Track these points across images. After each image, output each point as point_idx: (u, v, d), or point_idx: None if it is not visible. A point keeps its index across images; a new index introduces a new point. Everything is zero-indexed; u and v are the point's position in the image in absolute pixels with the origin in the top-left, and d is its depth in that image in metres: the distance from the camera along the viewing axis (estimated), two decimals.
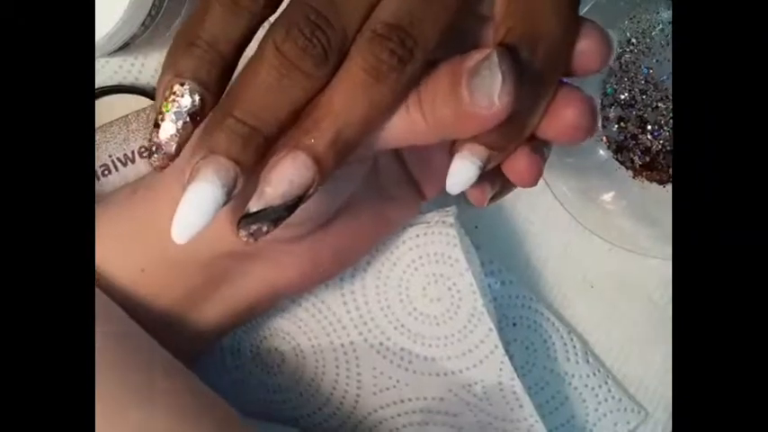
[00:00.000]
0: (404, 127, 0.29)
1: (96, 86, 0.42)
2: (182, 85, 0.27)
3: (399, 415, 0.42)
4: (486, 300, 0.42)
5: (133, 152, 0.41)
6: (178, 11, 0.40)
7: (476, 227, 0.44)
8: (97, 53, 0.37)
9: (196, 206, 0.26)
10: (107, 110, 0.42)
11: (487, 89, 0.27)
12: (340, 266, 0.38)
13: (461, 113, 0.28)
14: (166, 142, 0.27)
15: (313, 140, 0.27)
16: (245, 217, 0.27)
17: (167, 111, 0.27)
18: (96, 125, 0.41)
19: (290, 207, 0.27)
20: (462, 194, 0.42)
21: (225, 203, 0.27)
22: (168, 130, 0.27)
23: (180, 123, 0.27)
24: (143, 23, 0.38)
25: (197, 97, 0.27)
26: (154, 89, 0.43)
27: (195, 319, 0.36)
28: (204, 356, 0.43)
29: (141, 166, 0.41)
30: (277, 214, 0.27)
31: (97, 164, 0.41)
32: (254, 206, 0.27)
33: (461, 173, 0.30)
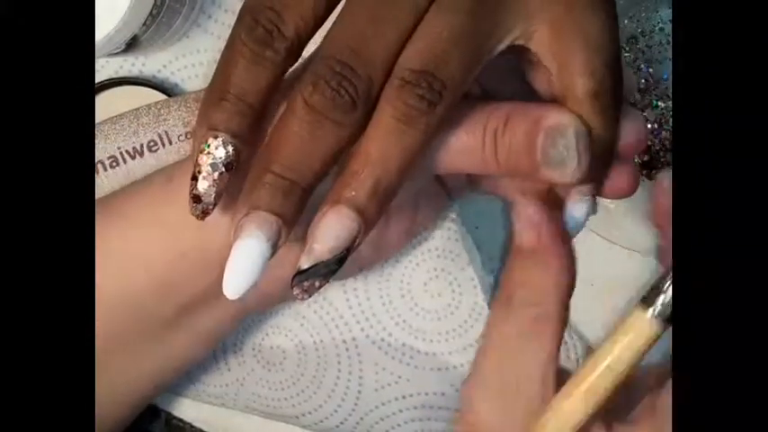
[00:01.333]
0: (476, 163, 0.30)
1: (101, 80, 0.42)
2: (215, 137, 0.28)
3: (401, 411, 0.42)
4: (486, 295, 0.42)
5: (142, 145, 0.40)
6: (179, 9, 0.40)
7: (476, 227, 0.44)
8: (98, 54, 0.37)
9: (244, 261, 0.27)
10: (112, 103, 0.42)
11: (561, 167, 0.29)
12: (358, 270, 0.39)
13: (533, 170, 0.29)
14: (204, 192, 0.28)
15: (353, 192, 0.27)
16: (298, 274, 0.28)
17: (203, 163, 0.28)
18: (103, 117, 0.41)
19: (339, 260, 0.28)
20: (463, 190, 0.43)
21: (271, 256, 0.28)
22: (206, 181, 0.28)
23: (216, 174, 0.28)
24: (144, 23, 0.38)
25: (230, 148, 0.28)
26: (161, 83, 0.43)
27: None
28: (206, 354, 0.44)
29: (149, 160, 0.41)
30: (328, 268, 0.28)
31: (105, 155, 0.41)
32: (304, 263, 0.27)
33: (580, 213, 0.32)
